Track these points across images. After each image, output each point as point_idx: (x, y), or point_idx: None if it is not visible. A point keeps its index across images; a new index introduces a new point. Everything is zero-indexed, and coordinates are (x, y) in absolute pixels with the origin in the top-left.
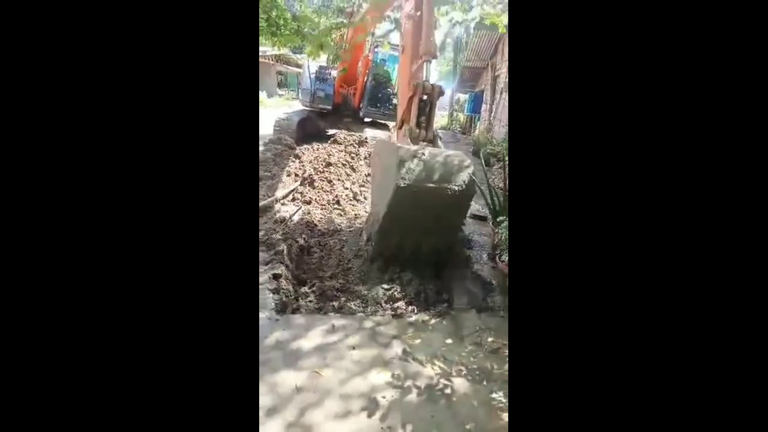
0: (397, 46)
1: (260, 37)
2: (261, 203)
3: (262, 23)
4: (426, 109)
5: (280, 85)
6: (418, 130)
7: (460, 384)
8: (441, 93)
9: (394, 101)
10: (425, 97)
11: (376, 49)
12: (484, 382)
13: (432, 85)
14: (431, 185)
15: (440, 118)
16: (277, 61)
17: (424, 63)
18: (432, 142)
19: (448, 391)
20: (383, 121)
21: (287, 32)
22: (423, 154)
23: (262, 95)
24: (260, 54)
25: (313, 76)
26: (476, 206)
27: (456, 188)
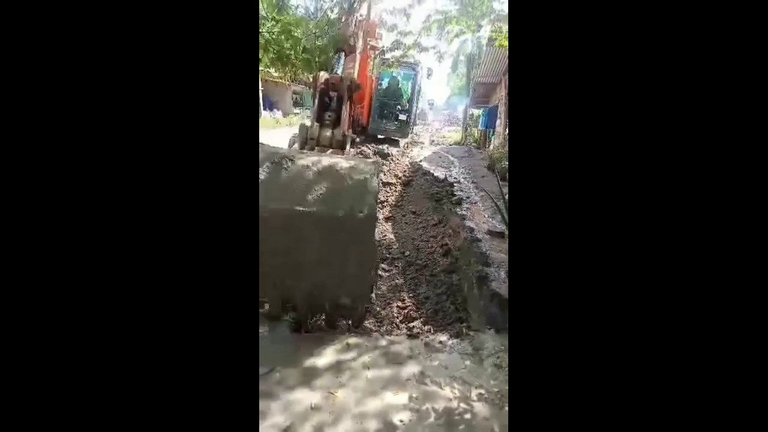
0: (409, 63)
1: (271, 67)
2: None
3: (273, 55)
4: (332, 105)
5: (295, 104)
6: (322, 131)
7: (480, 408)
8: (357, 87)
9: (401, 117)
10: (332, 94)
11: (384, 67)
12: (506, 407)
13: (341, 77)
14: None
15: (454, 133)
16: (293, 81)
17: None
18: (341, 146)
19: (467, 415)
20: (396, 137)
21: (299, 63)
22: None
23: (278, 114)
24: (276, 75)
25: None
26: (493, 222)
27: (347, 214)
